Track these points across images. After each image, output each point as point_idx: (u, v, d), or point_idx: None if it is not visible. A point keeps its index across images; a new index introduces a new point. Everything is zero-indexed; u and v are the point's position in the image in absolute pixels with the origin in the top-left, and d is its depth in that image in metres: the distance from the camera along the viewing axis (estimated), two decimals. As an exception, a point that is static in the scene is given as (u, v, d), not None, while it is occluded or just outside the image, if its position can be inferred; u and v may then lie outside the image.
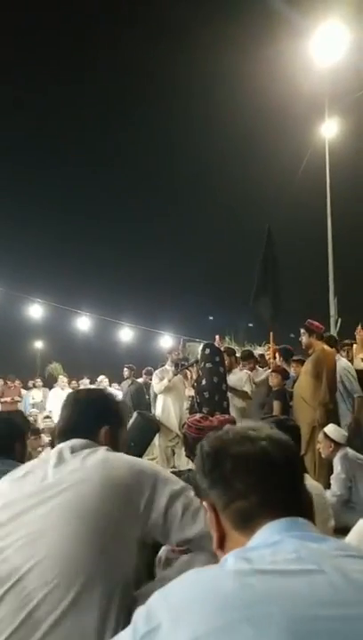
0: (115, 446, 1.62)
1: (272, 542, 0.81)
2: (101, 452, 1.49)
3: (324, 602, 0.69)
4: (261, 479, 0.89)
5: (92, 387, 11.68)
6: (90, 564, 1.22)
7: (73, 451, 1.51)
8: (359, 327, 5.92)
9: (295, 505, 0.89)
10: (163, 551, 2.23)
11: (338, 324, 10.12)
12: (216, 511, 0.92)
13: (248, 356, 6.88)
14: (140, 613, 0.78)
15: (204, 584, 0.75)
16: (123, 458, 1.50)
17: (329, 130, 13.00)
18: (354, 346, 6.14)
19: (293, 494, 0.90)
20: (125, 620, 1.15)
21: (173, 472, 2.90)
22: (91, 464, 1.43)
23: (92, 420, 1.69)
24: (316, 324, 5.22)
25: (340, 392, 5.23)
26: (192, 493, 1.42)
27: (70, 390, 11.43)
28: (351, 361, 5.97)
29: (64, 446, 1.54)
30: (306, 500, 0.93)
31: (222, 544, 0.92)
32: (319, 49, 11.82)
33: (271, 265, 6.66)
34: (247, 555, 0.79)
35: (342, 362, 5.50)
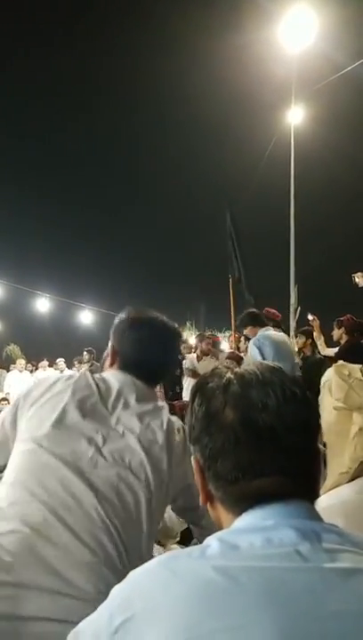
0: None
1: (264, 527, 0.71)
2: (166, 418, 1.36)
3: (321, 606, 0.62)
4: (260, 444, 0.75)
5: (51, 369, 11.52)
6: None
7: (138, 399, 1.37)
8: (312, 317, 6.09)
9: (300, 480, 0.76)
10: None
11: (298, 313, 10.26)
12: (202, 470, 0.81)
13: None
14: (115, 597, 0.71)
15: (184, 577, 0.66)
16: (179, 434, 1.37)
17: (295, 116, 13.03)
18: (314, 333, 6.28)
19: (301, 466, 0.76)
20: None
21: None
22: (158, 434, 1.31)
23: (174, 363, 1.56)
24: (272, 311, 5.31)
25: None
26: None
27: (28, 373, 11.36)
28: (314, 347, 6.08)
29: (129, 388, 1.38)
30: (316, 472, 0.79)
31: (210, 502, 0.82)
32: (287, 34, 11.76)
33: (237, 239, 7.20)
34: (235, 540, 0.70)
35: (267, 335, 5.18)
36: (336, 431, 1.40)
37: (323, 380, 1.66)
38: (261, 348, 4.56)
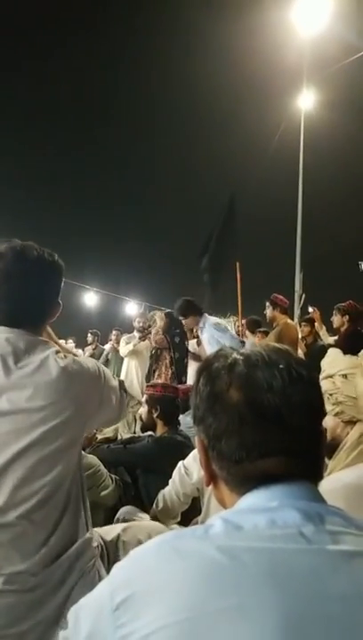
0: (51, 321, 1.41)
1: (268, 508, 0.71)
2: (54, 370, 1.24)
3: (325, 587, 0.62)
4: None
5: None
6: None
7: (18, 358, 1.24)
8: (312, 309, 6.25)
9: (304, 461, 0.75)
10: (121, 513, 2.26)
11: (302, 300, 10.26)
12: (205, 449, 0.81)
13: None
14: (116, 574, 0.71)
15: (187, 556, 0.66)
16: (77, 371, 1.29)
17: (306, 101, 12.84)
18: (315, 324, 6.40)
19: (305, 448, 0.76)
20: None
21: (133, 437, 2.92)
22: (48, 394, 1.22)
23: (52, 296, 1.34)
24: (280, 297, 5.29)
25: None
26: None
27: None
28: (317, 335, 6.20)
29: (5, 349, 1.24)
30: (320, 453, 0.79)
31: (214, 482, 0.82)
32: (301, 17, 11.55)
33: (228, 234, 6.59)
34: (239, 520, 0.70)
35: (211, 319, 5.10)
36: None
37: (322, 362, 1.75)
38: (222, 333, 4.67)
